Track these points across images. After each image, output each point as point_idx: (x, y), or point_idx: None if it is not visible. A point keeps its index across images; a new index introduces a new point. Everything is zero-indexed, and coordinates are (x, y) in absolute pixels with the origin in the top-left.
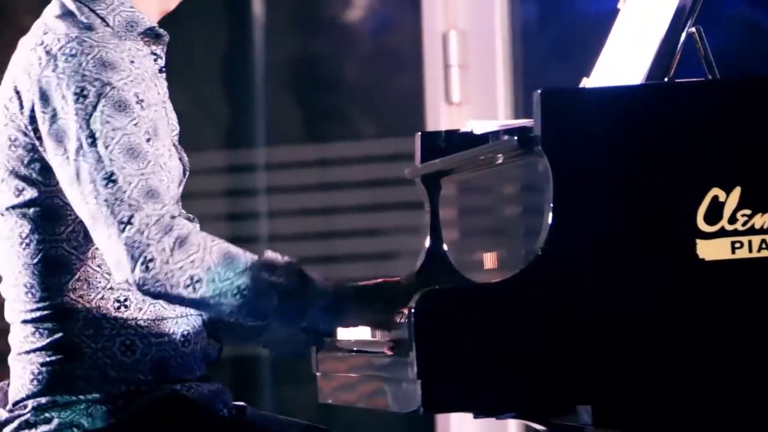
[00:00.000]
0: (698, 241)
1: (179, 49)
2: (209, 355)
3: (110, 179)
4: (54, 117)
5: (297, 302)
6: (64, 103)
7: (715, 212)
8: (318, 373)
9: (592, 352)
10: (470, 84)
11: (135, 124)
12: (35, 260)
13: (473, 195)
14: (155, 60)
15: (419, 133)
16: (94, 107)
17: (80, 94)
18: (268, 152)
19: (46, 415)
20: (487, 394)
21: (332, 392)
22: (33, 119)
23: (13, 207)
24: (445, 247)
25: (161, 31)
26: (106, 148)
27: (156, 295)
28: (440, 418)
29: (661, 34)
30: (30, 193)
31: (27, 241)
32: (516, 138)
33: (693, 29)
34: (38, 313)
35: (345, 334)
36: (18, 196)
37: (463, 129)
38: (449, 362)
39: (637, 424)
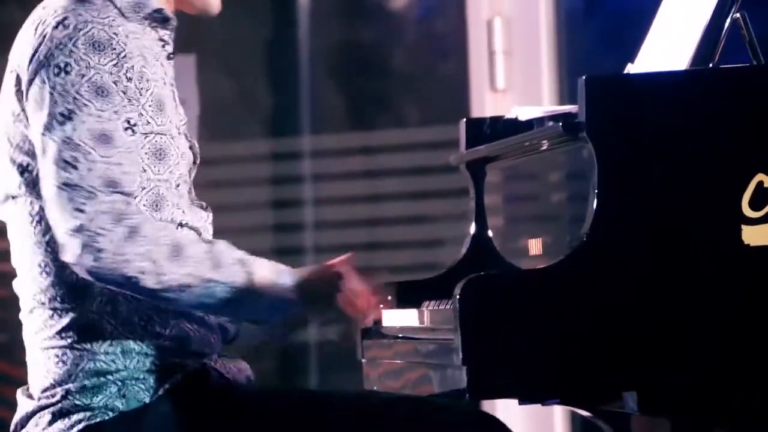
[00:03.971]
0: (743, 226)
1: (223, 36)
2: (227, 332)
3: (72, 164)
4: (32, 82)
5: (238, 300)
6: (44, 72)
7: (760, 198)
8: (364, 360)
9: (636, 338)
10: (515, 70)
11: (115, 112)
12: (47, 237)
13: (518, 181)
14: (163, 46)
15: (464, 120)
16: (73, 86)
17: (63, 69)
18: (313, 140)
19: (77, 402)
20: (532, 381)
21: (378, 379)
22: (27, 85)
23: (20, 185)
24: (490, 233)
25: (169, 14)
26: (75, 130)
27: (102, 281)
28: (486, 405)
29: (706, 20)
30: (34, 167)
31: (37, 218)
32: (561, 124)
33: (737, 15)
34: (55, 291)
35: (391, 320)
36: (24, 173)
37: (508, 115)
38: (494, 348)
39: (683, 410)
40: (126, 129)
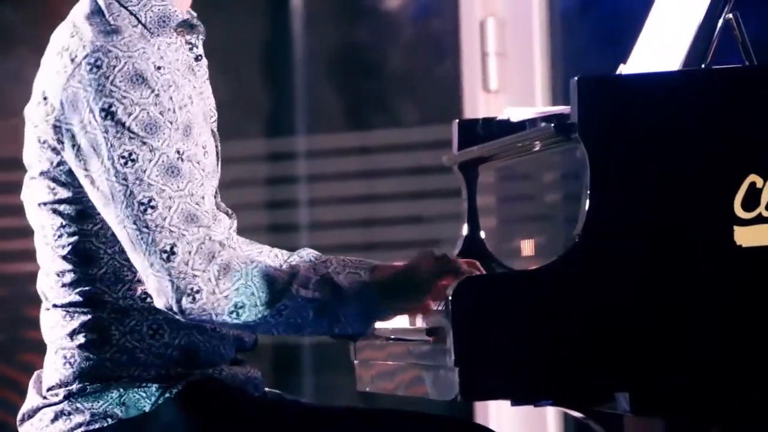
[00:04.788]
0: (736, 227)
1: (219, 38)
2: (243, 342)
3: (149, 204)
4: (81, 130)
5: (330, 313)
6: (91, 117)
7: (752, 198)
8: (356, 362)
9: (629, 339)
10: (508, 72)
11: (167, 144)
12: (66, 251)
13: (511, 182)
14: (190, 49)
15: (456, 121)
16: (125, 126)
17: (108, 111)
18: (308, 140)
19: (78, 405)
20: (524, 382)
21: (371, 380)
22: (57, 129)
23: (45, 203)
24: (482, 234)
25: (195, 21)
26: (144, 171)
27: (199, 322)
28: (479, 406)
29: (698, 21)
30: (61, 193)
31: (59, 233)
32: (553, 125)
33: (730, 15)
34: (68, 299)
35: (383, 322)
36: (49, 194)
37: (501, 116)
38: (486, 349)
39: (675, 411)
40: (179, 157)
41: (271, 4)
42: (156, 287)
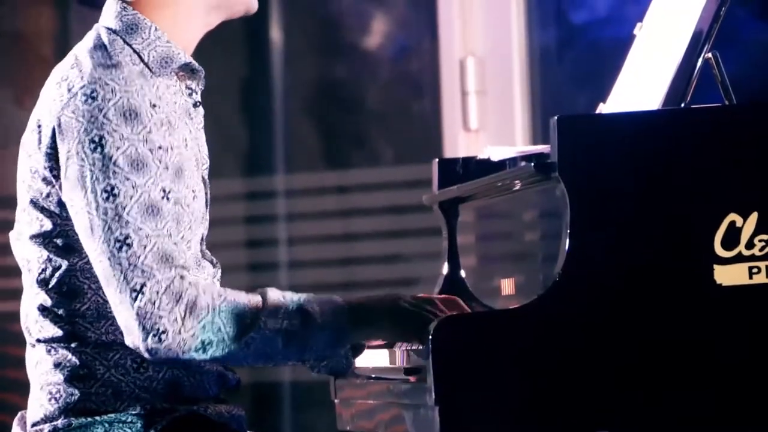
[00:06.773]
0: (715, 266)
1: None
2: (227, 380)
3: (125, 242)
4: (69, 160)
5: (300, 341)
6: (80, 148)
7: (732, 237)
8: (336, 400)
9: (610, 377)
10: (488, 110)
11: (152, 182)
12: (50, 286)
13: (491, 221)
14: (190, 94)
15: (436, 160)
16: (111, 160)
17: (98, 143)
18: (287, 179)
19: None
20: (505, 420)
21: (351, 419)
22: (49, 157)
23: (32, 236)
24: (462, 273)
25: (196, 66)
26: (123, 208)
27: (165, 361)
28: None
29: (678, 60)
30: (47, 224)
31: (44, 266)
32: (533, 164)
33: (709, 54)
34: (51, 334)
35: (363, 361)
36: (36, 226)
37: (481, 155)
38: (467, 388)
39: None
40: (163, 198)
41: (249, 41)
42: (125, 324)
